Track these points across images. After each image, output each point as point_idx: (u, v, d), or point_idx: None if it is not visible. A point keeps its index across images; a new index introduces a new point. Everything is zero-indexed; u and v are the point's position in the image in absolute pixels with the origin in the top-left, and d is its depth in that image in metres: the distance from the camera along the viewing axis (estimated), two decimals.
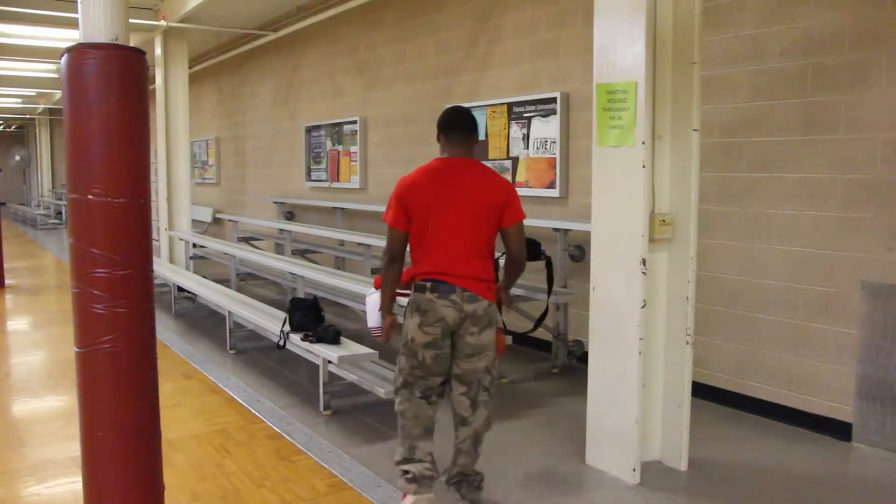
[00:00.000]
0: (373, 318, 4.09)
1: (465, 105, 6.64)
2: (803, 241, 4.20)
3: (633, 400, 3.49)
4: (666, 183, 3.61)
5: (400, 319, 3.34)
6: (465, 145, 3.23)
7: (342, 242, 8.38)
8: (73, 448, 3.88)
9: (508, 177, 6.24)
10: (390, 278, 3.26)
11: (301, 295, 6.03)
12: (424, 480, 3.15)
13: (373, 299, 4.05)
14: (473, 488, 3.30)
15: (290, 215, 10.13)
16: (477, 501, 3.30)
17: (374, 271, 6.81)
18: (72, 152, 2.48)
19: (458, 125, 3.23)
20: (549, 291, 5.09)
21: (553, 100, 5.77)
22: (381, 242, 3.55)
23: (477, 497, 3.31)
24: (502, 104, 6.28)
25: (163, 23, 8.95)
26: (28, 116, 23.77)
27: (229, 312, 6.03)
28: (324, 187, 9.39)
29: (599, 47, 3.57)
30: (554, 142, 5.80)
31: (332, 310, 6.93)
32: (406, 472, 3.17)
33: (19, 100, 19.17)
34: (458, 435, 3.25)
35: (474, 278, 3.10)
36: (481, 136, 6.50)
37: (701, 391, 4.55)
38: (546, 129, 5.86)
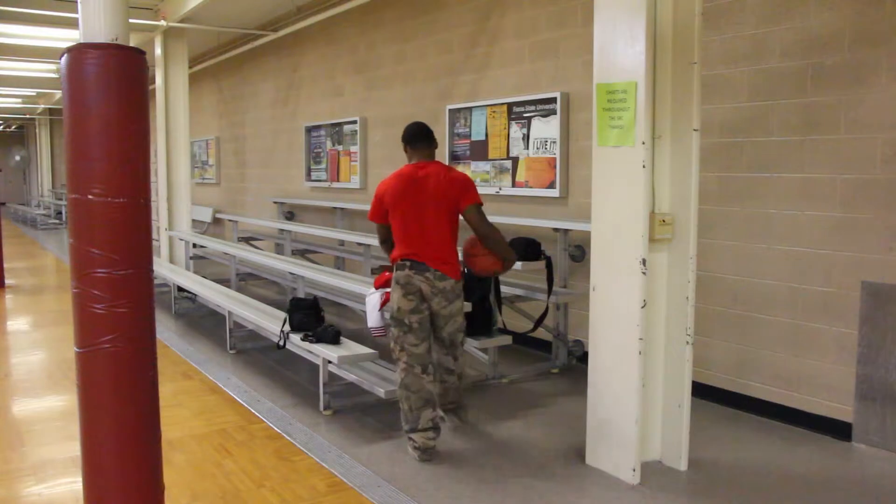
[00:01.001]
0: (373, 318, 4.15)
1: (466, 105, 6.68)
2: (803, 241, 4.20)
3: (633, 400, 3.49)
4: (666, 183, 3.61)
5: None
6: (427, 151, 3.98)
7: (342, 242, 8.38)
8: (73, 448, 3.88)
9: (508, 177, 6.25)
10: (386, 251, 4.11)
11: (301, 295, 6.03)
12: (428, 450, 3.83)
13: (372, 299, 4.16)
14: (466, 411, 4.31)
15: (290, 215, 10.13)
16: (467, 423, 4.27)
17: (373, 271, 6.81)
18: (72, 152, 2.48)
19: (420, 137, 3.98)
20: (549, 291, 5.10)
21: (553, 100, 5.77)
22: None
23: (468, 421, 4.30)
24: (502, 104, 6.28)
25: (163, 23, 8.95)
26: (28, 116, 23.76)
27: (229, 312, 6.03)
28: (324, 187, 9.39)
29: (599, 47, 3.57)
30: (554, 142, 5.80)
31: (332, 310, 6.94)
32: (412, 440, 3.84)
33: (19, 100, 19.16)
34: (447, 380, 4.11)
35: (443, 261, 3.84)
36: (481, 136, 6.52)
37: (701, 391, 4.55)
38: (546, 129, 5.86)
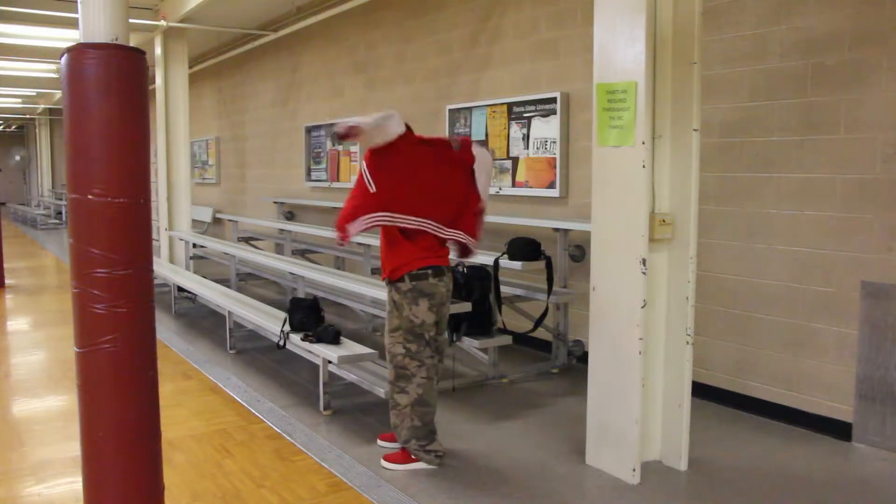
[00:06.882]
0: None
1: (466, 105, 6.67)
2: (803, 241, 4.20)
3: (633, 400, 3.49)
4: (666, 183, 3.61)
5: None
6: None
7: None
8: (73, 448, 3.88)
9: (508, 177, 6.25)
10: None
11: (301, 295, 6.03)
12: (441, 454, 3.76)
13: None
14: None
15: (290, 215, 10.14)
16: None
17: (373, 271, 6.81)
18: (72, 152, 2.48)
19: None
20: (549, 291, 5.11)
21: (553, 100, 5.77)
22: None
23: None
24: (502, 104, 6.28)
25: (163, 23, 8.95)
26: (28, 116, 23.77)
27: (229, 312, 6.03)
28: (324, 187, 9.39)
29: (599, 47, 3.57)
30: (554, 142, 5.80)
31: (332, 310, 6.93)
32: (431, 451, 3.69)
33: (19, 100, 19.17)
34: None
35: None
36: (481, 136, 6.51)
37: (701, 391, 4.55)
38: (546, 129, 5.86)
